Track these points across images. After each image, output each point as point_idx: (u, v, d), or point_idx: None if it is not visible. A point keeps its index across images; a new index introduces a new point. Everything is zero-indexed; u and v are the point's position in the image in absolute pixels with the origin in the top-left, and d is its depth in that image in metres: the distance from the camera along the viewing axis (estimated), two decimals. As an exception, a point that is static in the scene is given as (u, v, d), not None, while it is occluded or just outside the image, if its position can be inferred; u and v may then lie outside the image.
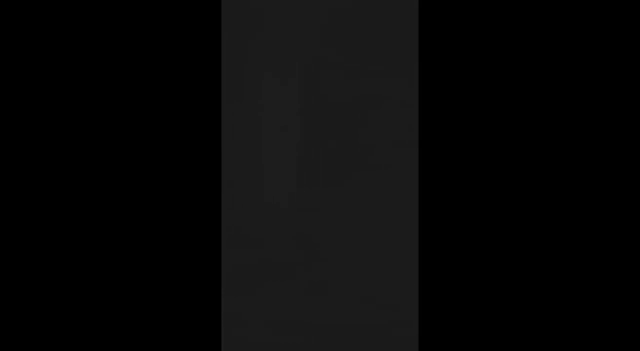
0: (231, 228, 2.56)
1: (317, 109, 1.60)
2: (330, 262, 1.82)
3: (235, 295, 1.86)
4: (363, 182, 1.74)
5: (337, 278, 1.84)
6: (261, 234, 2.45)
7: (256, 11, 2.34)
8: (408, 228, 1.81)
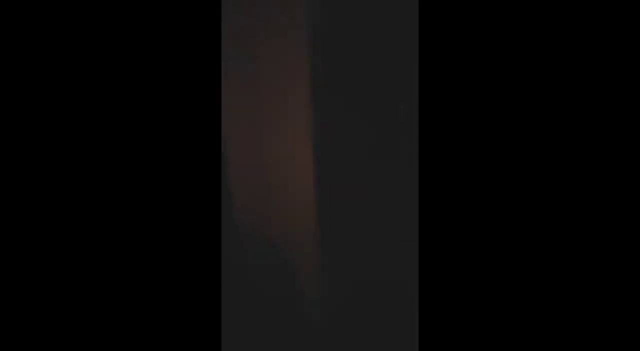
0: (230, 227, 2.56)
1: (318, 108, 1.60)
2: (331, 260, 1.82)
3: (235, 295, 1.86)
4: (363, 181, 1.74)
5: (337, 277, 1.84)
6: (260, 234, 2.45)
7: (254, 9, 2.34)
8: (408, 228, 1.81)
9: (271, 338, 1.58)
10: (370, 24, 1.54)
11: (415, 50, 1.59)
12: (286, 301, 1.80)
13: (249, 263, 2.16)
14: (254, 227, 2.54)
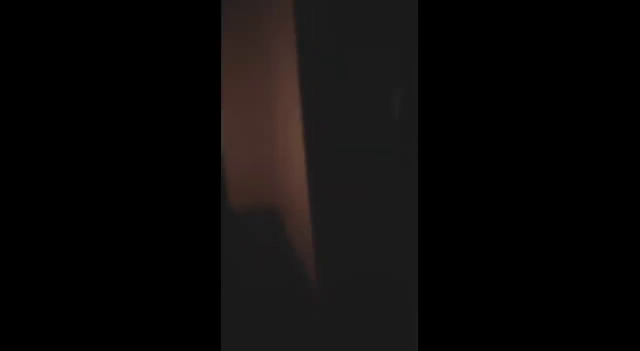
0: (231, 227, 2.55)
1: (317, 105, 1.60)
2: (330, 260, 1.82)
3: (235, 295, 1.86)
4: (363, 181, 1.74)
5: (337, 277, 1.84)
6: (259, 234, 2.45)
7: (254, 9, 2.35)
8: (408, 227, 1.81)
9: (271, 337, 1.58)
10: (370, 21, 1.54)
11: (415, 48, 1.59)
12: (286, 303, 1.80)
13: (247, 265, 2.16)
14: (252, 230, 2.54)
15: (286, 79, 1.78)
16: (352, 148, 1.66)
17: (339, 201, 1.72)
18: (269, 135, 2.61)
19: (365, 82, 1.59)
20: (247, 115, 2.57)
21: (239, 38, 2.40)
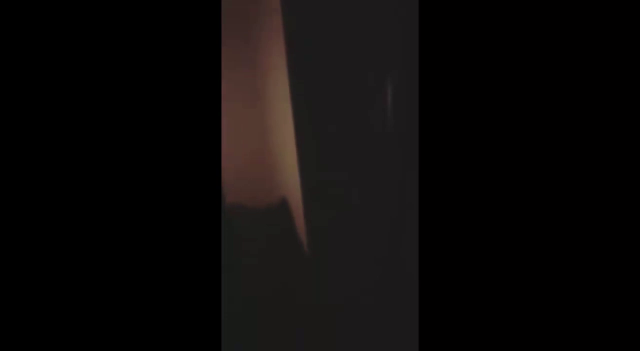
0: (230, 225, 2.55)
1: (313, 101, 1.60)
2: (330, 259, 1.82)
3: (234, 294, 1.86)
4: (362, 180, 1.74)
5: (335, 277, 1.84)
6: (258, 231, 2.45)
7: (252, 11, 2.35)
8: (408, 227, 1.81)
9: (271, 338, 1.58)
10: (368, 18, 1.54)
11: (415, 51, 1.59)
12: (284, 302, 1.80)
13: (246, 265, 2.16)
14: (251, 229, 2.53)
15: (284, 77, 1.78)
16: (351, 147, 1.66)
17: (337, 200, 1.72)
18: (269, 136, 2.61)
19: (364, 81, 1.59)
20: (245, 115, 2.57)
21: (238, 38, 2.40)
